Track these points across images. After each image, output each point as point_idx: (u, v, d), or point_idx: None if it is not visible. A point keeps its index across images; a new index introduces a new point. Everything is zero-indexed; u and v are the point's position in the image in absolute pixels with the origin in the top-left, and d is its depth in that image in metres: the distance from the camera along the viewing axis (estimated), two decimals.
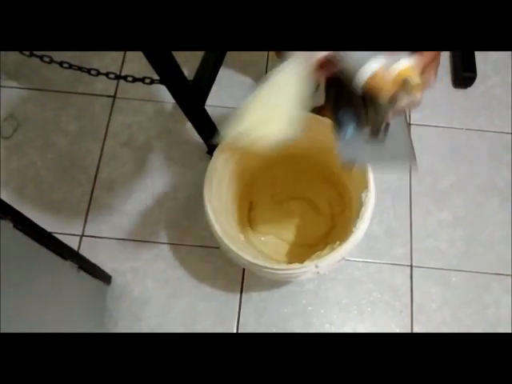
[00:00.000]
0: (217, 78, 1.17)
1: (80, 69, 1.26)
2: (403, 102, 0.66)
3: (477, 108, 1.46)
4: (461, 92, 1.48)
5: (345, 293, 1.25)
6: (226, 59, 1.21)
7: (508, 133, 1.42)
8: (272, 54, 1.46)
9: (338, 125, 0.89)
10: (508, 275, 1.26)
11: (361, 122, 0.84)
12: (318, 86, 1.42)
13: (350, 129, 0.92)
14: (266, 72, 1.50)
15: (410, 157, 0.88)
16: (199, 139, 1.27)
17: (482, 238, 1.30)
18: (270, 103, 0.75)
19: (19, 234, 0.79)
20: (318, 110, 1.29)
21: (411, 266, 1.27)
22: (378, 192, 0.98)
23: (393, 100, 0.66)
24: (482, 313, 1.23)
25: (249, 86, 1.46)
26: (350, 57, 0.64)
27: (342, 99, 0.89)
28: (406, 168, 1.18)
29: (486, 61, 1.50)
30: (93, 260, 1.14)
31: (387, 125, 0.86)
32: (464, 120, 1.44)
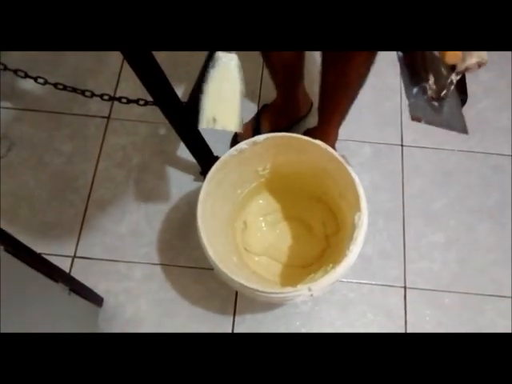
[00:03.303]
0: None
1: (74, 90, 1.27)
2: (472, 61, 0.72)
3: (467, 130, 1.47)
4: None
5: (338, 314, 1.25)
6: None
7: (498, 154, 1.44)
8: (266, 73, 1.48)
9: (407, 85, 1.06)
10: (501, 297, 1.26)
11: (425, 85, 1.02)
12: (310, 107, 1.45)
13: (415, 90, 1.20)
14: (260, 93, 1.52)
15: (463, 126, 1.17)
16: (193, 160, 1.27)
17: (474, 260, 1.30)
18: (221, 96, 0.87)
19: (9, 257, 0.79)
20: (310, 133, 1.31)
21: (405, 288, 1.27)
22: (371, 213, 0.98)
23: (459, 62, 0.75)
24: None
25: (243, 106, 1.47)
26: None
27: (411, 63, 1.06)
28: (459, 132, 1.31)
29: (476, 83, 1.52)
30: (85, 281, 1.13)
31: (447, 92, 1.09)
32: (455, 142, 1.45)
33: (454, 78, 1.07)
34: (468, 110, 1.49)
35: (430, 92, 1.25)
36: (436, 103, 1.27)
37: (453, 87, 1.20)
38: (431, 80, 1.22)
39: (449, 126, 1.28)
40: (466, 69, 0.87)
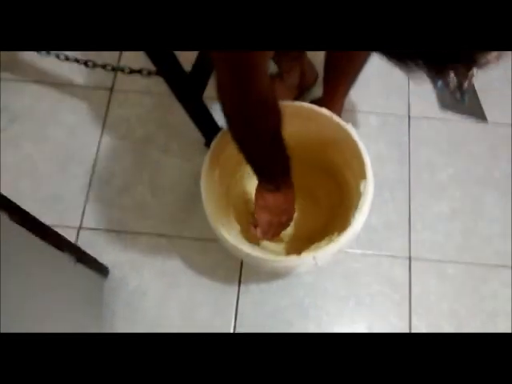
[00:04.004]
0: None
1: (77, 61, 1.25)
2: (492, 54, 0.70)
3: (487, 118, 1.45)
4: None
5: (343, 285, 1.25)
6: None
7: (506, 124, 1.42)
8: None
9: (433, 78, 1.09)
10: (505, 267, 1.26)
11: (447, 78, 1.07)
12: (316, 78, 1.43)
13: (439, 82, 1.35)
14: None
15: (482, 115, 1.35)
16: (197, 132, 1.26)
17: (479, 231, 1.30)
18: None
19: (15, 226, 0.79)
20: (315, 103, 1.29)
21: (409, 258, 1.27)
22: (377, 185, 0.98)
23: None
24: (480, 305, 1.23)
25: None
26: None
27: None
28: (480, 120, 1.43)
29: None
30: (90, 252, 1.14)
31: (468, 84, 1.18)
32: None
33: (475, 71, 1.05)
34: (476, 80, 1.47)
35: (451, 85, 1.30)
36: (458, 94, 1.34)
37: (474, 79, 1.25)
38: (452, 73, 1.23)
39: (471, 115, 1.36)
40: (487, 62, 0.85)
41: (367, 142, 1.02)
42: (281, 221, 0.98)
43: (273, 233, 1.00)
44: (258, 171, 0.89)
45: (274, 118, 0.80)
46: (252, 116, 0.76)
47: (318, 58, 1.35)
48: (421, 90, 1.46)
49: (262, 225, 0.97)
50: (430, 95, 1.46)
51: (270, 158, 0.86)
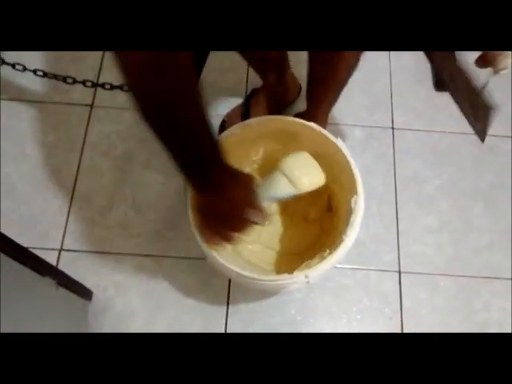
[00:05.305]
0: None
1: (55, 77, 1.22)
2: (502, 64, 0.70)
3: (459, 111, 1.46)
4: (443, 95, 1.48)
5: (334, 301, 1.23)
6: (205, 64, 1.18)
7: (491, 135, 1.42)
8: None
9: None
10: (496, 278, 1.25)
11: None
12: (299, 91, 1.42)
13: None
14: (247, 78, 1.48)
15: (482, 133, 1.10)
16: None
17: (469, 242, 1.29)
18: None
19: None
20: (300, 117, 1.28)
21: (399, 272, 1.26)
22: (364, 198, 0.96)
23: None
24: (472, 317, 1.22)
25: (228, 92, 1.44)
26: None
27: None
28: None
29: (467, 63, 1.51)
30: (73, 275, 1.09)
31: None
32: (447, 123, 1.44)
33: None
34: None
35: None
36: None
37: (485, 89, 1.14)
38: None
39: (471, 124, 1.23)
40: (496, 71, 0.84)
41: (352, 155, 1.01)
42: (224, 226, 0.85)
43: (220, 239, 0.87)
44: (181, 166, 0.77)
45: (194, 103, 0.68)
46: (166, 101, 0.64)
47: (300, 70, 1.34)
48: (404, 102, 1.46)
49: (204, 229, 0.89)
50: (412, 107, 1.46)
51: (190, 149, 0.72)
